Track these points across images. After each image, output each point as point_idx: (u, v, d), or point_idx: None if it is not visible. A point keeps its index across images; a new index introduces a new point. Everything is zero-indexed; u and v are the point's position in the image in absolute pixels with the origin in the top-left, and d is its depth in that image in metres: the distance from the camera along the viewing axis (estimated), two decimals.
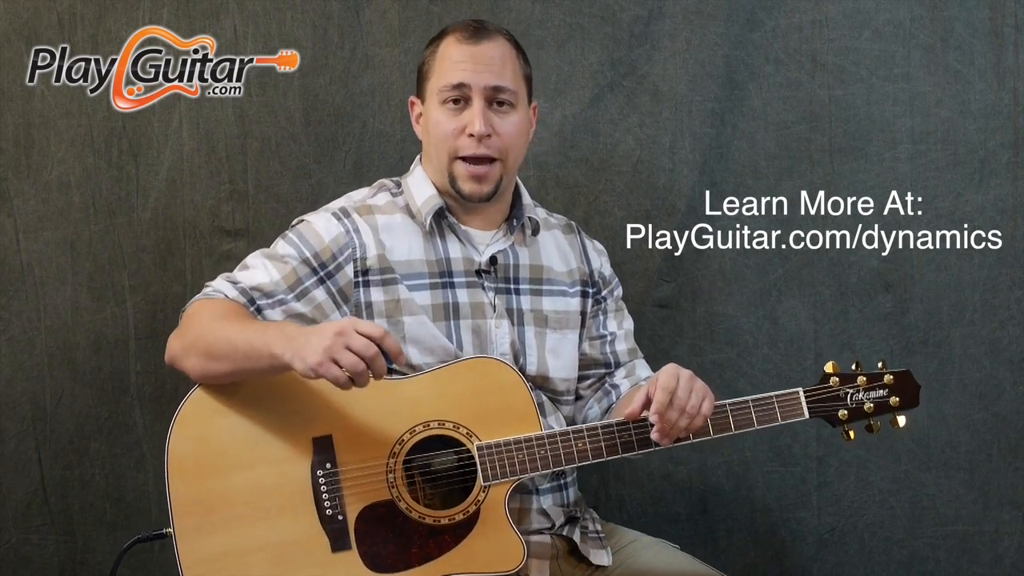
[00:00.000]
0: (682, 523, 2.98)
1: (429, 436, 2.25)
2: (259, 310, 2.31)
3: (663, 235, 2.95)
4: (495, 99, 2.38)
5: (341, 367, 2.06)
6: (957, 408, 2.96)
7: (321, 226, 2.37)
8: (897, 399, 2.35)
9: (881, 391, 2.35)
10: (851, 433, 2.35)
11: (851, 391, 2.34)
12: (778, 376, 2.95)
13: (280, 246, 2.38)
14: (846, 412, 2.33)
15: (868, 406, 2.34)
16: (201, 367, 2.22)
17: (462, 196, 2.39)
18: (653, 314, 2.96)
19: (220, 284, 2.33)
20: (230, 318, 2.24)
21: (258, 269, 2.35)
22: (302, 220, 2.42)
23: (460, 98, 2.36)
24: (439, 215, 2.41)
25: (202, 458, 2.21)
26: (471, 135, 2.35)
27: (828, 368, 2.36)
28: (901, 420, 2.36)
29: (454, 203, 2.43)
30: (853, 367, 2.36)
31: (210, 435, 2.22)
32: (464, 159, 2.37)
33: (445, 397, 2.26)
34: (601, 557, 2.41)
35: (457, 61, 2.37)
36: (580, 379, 2.54)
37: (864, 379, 2.35)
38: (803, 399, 2.32)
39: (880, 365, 2.37)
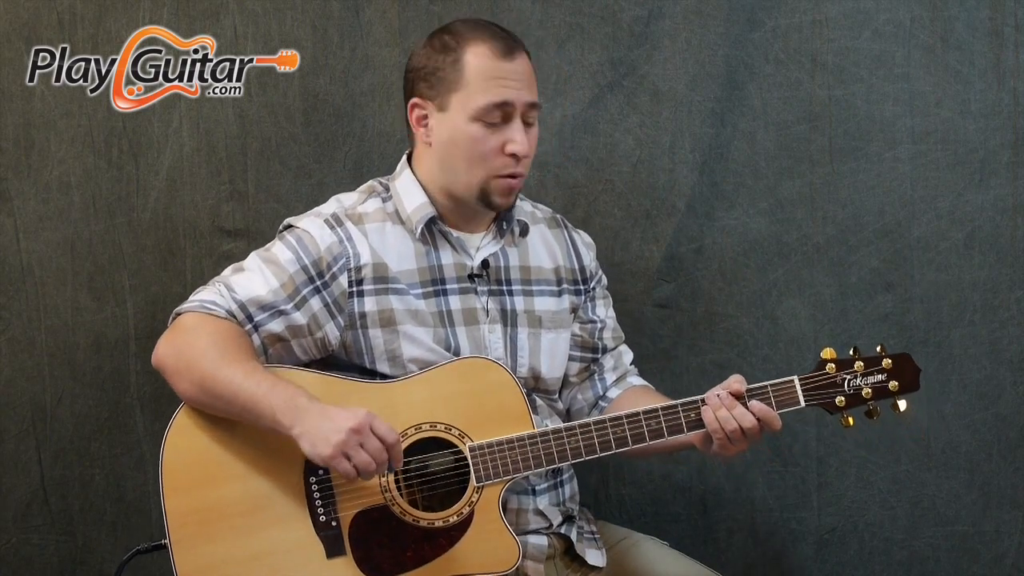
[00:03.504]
0: (682, 523, 2.98)
1: (421, 439, 2.25)
2: (256, 327, 2.29)
3: (663, 235, 2.95)
4: (527, 116, 2.34)
5: (351, 462, 2.12)
6: (957, 408, 2.96)
7: (316, 233, 2.34)
8: (896, 383, 2.29)
9: (880, 375, 2.29)
10: (850, 419, 2.29)
11: (848, 377, 2.29)
12: (778, 376, 2.93)
13: (279, 249, 2.35)
14: (843, 399, 2.28)
15: (866, 392, 2.29)
16: (193, 396, 2.22)
17: (491, 207, 2.36)
18: (653, 314, 2.96)
19: (217, 296, 2.29)
20: (231, 351, 2.21)
21: (255, 275, 2.32)
22: (293, 226, 2.38)
23: (501, 117, 2.31)
24: (430, 223, 2.38)
25: (196, 469, 2.22)
26: (511, 155, 2.32)
27: (824, 354, 2.31)
28: (902, 404, 2.29)
29: (445, 209, 2.40)
30: (851, 352, 2.32)
31: (203, 446, 2.23)
32: (501, 176, 2.34)
33: (436, 399, 2.26)
34: (596, 557, 2.42)
35: (497, 78, 2.30)
36: (570, 363, 2.53)
37: (861, 364, 2.29)
38: (798, 387, 2.29)
39: (879, 349, 2.32)
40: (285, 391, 2.16)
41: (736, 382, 2.29)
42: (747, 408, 2.26)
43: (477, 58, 2.31)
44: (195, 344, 2.23)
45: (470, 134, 2.31)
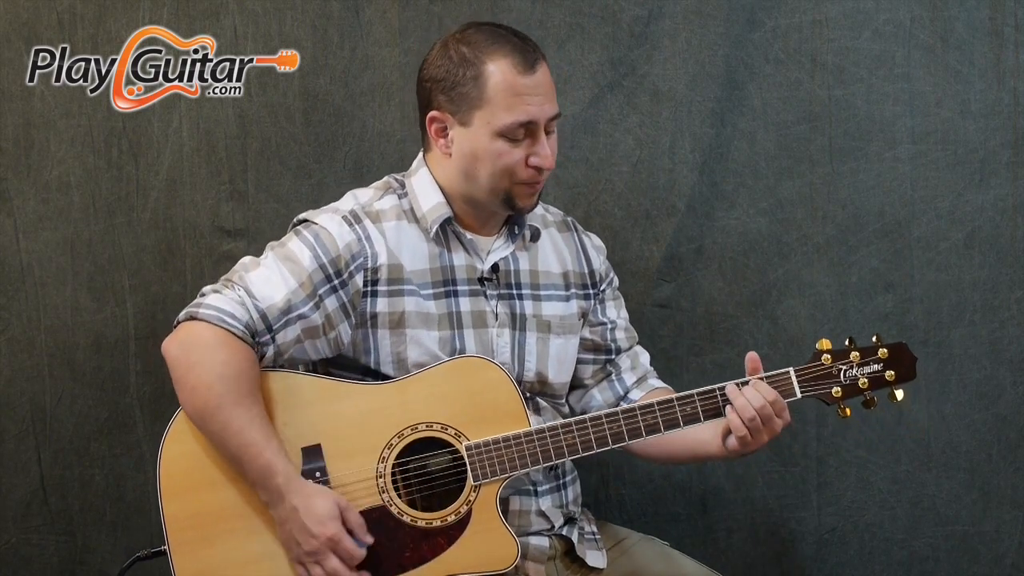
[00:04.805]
0: (682, 523, 2.98)
1: (418, 439, 2.25)
2: (275, 336, 2.25)
3: (663, 235, 2.95)
4: (548, 126, 2.31)
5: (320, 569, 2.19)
6: (957, 408, 2.96)
7: (335, 231, 2.30)
8: (893, 373, 2.27)
9: (876, 365, 2.28)
10: (847, 410, 2.27)
11: (844, 367, 2.27)
12: None
13: (296, 246, 2.30)
14: (839, 390, 2.26)
15: (862, 382, 2.27)
16: (190, 414, 2.21)
17: (514, 210, 2.34)
18: (653, 314, 2.96)
19: (237, 307, 2.22)
20: (234, 392, 2.18)
21: (273, 274, 2.27)
22: (311, 222, 2.34)
23: (525, 133, 2.29)
24: (445, 223, 2.36)
25: (193, 474, 2.21)
26: (536, 167, 2.29)
27: (820, 345, 2.29)
28: (899, 394, 2.28)
29: (461, 211, 2.37)
30: (847, 343, 2.31)
31: (200, 450, 2.22)
32: (524, 183, 2.32)
33: (432, 399, 2.26)
34: (597, 559, 2.42)
35: (521, 95, 2.26)
36: (582, 367, 2.53)
37: (857, 354, 2.27)
38: (794, 378, 2.27)
39: (874, 339, 2.31)
40: (270, 460, 2.17)
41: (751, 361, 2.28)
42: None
43: (499, 74, 2.26)
44: (203, 376, 2.18)
45: (495, 150, 2.28)
